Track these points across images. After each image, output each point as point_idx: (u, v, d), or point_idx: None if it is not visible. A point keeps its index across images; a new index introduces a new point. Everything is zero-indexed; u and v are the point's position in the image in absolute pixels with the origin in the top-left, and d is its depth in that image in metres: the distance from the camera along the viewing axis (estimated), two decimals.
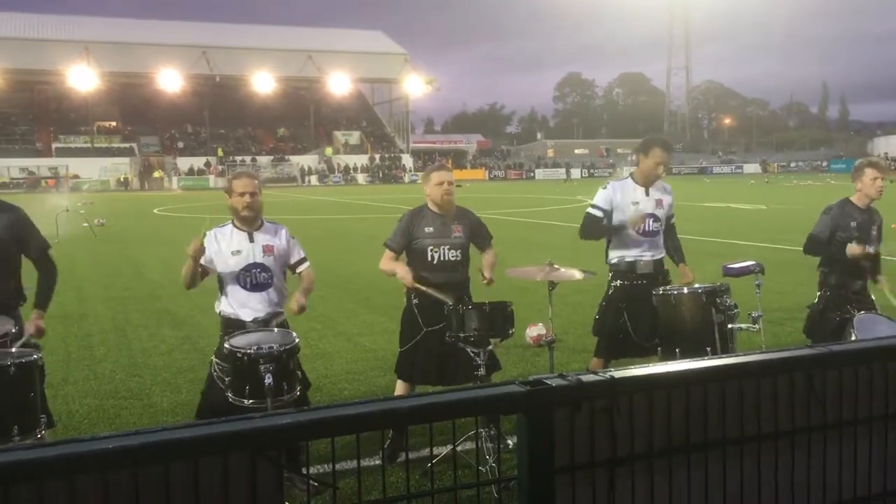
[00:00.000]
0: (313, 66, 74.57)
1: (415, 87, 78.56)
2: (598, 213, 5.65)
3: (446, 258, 5.20)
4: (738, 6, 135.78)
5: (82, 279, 13.79)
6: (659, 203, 5.64)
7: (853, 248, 5.58)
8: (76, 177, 62.14)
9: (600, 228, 5.65)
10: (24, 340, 4.29)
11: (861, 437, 2.26)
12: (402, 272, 5.10)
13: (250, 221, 4.78)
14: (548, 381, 1.89)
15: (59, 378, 7.06)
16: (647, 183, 5.63)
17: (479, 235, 5.42)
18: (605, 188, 5.69)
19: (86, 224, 22.82)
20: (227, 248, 4.72)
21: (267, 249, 4.76)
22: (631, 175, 5.74)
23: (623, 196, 5.60)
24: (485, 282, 5.19)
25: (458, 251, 5.25)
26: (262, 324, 4.66)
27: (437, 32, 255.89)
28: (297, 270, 4.99)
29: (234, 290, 4.71)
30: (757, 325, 5.09)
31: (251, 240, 4.75)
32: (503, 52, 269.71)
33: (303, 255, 5.01)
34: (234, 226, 4.81)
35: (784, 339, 8.07)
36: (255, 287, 4.71)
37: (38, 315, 4.51)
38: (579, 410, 1.91)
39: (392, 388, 6.66)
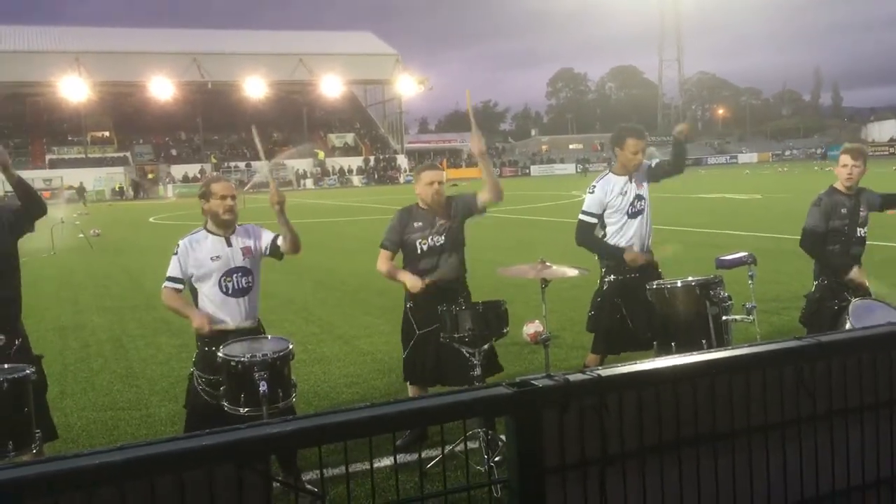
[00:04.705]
0: (305, 70, 74.62)
1: (407, 87, 78.64)
2: (592, 220, 5.70)
3: (433, 244, 5.26)
4: None
5: (78, 290, 13.78)
6: (640, 184, 5.74)
7: (855, 274, 5.70)
8: (70, 187, 62.03)
9: (596, 242, 5.70)
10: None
11: (852, 426, 2.26)
12: (411, 282, 5.13)
13: (229, 225, 4.70)
14: (535, 382, 1.88)
15: (56, 391, 7.03)
16: (628, 172, 5.70)
17: (466, 204, 5.38)
18: (592, 192, 5.72)
19: (81, 235, 22.78)
20: (204, 254, 4.65)
21: (246, 252, 4.70)
22: (610, 170, 5.80)
23: (611, 193, 5.66)
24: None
25: (443, 235, 5.28)
26: (244, 331, 4.61)
27: (428, 32, 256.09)
28: (277, 243, 4.77)
29: (212, 297, 4.62)
30: (752, 317, 5.09)
31: (229, 244, 4.68)
32: (495, 49, 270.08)
33: (275, 234, 4.81)
34: (209, 231, 4.72)
35: (781, 328, 8.07)
36: (236, 292, 4.64)
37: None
38: (567, 410, 1.91)
39: (390, 390, 6.70)
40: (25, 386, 3.76)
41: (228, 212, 4.65)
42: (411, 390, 5.47)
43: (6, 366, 3.94)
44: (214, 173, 63.36)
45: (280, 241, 4.75)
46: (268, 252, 4.80)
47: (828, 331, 5.31)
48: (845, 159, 5.76)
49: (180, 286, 4.72)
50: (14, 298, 4.50)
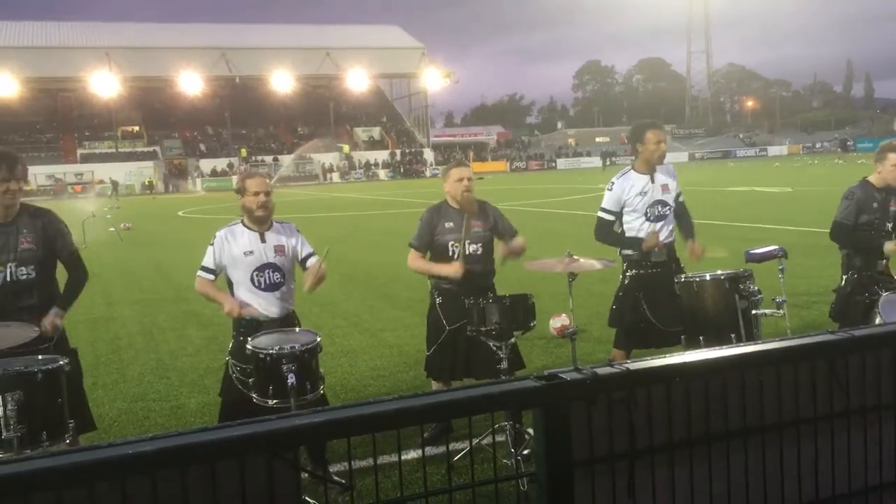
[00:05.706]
0: (331, 64, 74.80)
1: (433, 80, 78.53)
2: (609, 217, 5.63)
3: (472, 252, 5.23)
4: None
5: (109, 283, 13.97)
6: (665, 188, 5.61)
7: (890, 246, 5.61)
8: (101, 182, 62.92)
9: (615, 237, 5.65)
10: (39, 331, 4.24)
11: (886, 421, 2.23)
12: (454, 270, 5.11)
13: (262, 221, 4.76)
14: (563, 376, 1.88)
15: (88, 382, 7.08)
16: (650, 169, 5.60)
17: (501, 229, 5.41)
18: (610, 189, 5.64)
19: (112, 229, 23.08)
20: (238, 248, 4.72)
21: (279, 249, 4.76)
22: (632, 167, 5.68)
23: (630, 191, 5.56)
24: (504, 253, 5.30)
25: (479, 244, 5.26)
26: (277, 323, 4.68)
27: (454, 25, 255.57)
28: (307, 264, 4.91)
29: (245, 291, 4.71)
30: (781, 311, 5.03)
31: (263, 240, 4.74)
32: (520, 42, 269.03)
33: (311, 250, 4.96)
34: (245, 226, 4.79)
35: (812, 322, 7.97)
36: (268, 287, 4.71)
37: (56, 313, 4.46)
38: (595, 404, 1.90)
39: (416, 383, 6.70)
40: (59, 377, 3.82)
41: (262, 208, 4.70)
42: (435, 384, 5.47)
43: (40, 357, 4.01)
44: (244, 167, 64.01)
45: (309, 264, 4.87)
46: (298, 260, 4.90)
47: (859, 325, 5.24)
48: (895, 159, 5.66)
49: (212, 276, 4.81)
50: (52, 297, 4.58)
